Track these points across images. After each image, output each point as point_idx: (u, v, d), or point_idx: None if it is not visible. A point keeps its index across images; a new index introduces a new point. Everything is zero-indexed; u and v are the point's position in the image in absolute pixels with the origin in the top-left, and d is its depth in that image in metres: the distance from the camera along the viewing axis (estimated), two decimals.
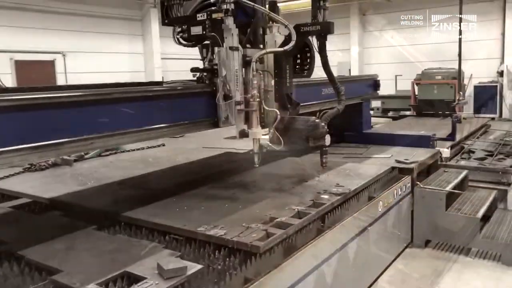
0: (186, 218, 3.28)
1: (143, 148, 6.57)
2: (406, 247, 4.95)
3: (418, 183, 4.96)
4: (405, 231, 4.89)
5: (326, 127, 3.89)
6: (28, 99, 2.48)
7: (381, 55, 18.80)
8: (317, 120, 3.81)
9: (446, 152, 6.68)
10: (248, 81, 3.62)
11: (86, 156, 5.96)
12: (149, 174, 4.81)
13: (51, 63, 15.33)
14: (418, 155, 5.51)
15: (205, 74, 3.75)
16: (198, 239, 2.99)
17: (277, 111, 3.68)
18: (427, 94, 12.85)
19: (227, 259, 2.75)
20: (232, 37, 3.56)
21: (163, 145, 6.86)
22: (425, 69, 13.58)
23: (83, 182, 4.58)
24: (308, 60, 5.83)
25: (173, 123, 3.42)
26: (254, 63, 3.58)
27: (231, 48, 3.57)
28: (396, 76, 16.74)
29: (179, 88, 3.58)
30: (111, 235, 3.11)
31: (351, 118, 6.63)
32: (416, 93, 13.32)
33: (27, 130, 2.45)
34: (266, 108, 3.69)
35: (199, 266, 2.49)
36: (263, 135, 3.69)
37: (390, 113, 15.27)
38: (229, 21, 3.54)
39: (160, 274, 2.37)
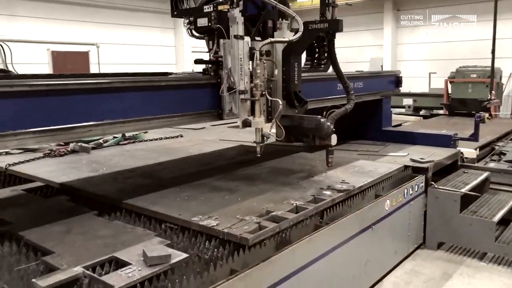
0: (183, 207, 3.31)
1: (160, 139, 6.69)
2: (417, 248, 4.82)
3: (433, 183, 4.81)
4: (417, 232, 4.76)
5: (332, 127, 3.82)
6: (24, 85, 2.56)
7: (415, 51, 18.28)
8: (322, 120, 3.75)
9: (472, 153, 6.47)
10: (252, 71, 3.62)
11: (105, 144, 6.12)
12: (160, 164, 4.89)
13: (86, 54, 15.77)
14: (436, 155, 5.34)
15: (210, 66, 3.76)
16: (192, 228, 3.01)
17: (280, 101, 3.65)
18: (460, 92, 12.44)
19: (215, 249, 2.76)
20: (237, 26, 3.56)
21: (181, 136, 6.95)
22: (459, 67, 13.12)
23: (95, 169, 4.71)
24: (326, 54, 5.82)
25: (176, 114, 3.46)
26: (257, 51, 3.56)
27: (235, 36, 3.58)
28: (430, 73, 16.26)
29: (183, 79, 3.60)
30: (109, 220, 3.18)
31: (371, 115, 6.51)
32: (450, 91, 12.92)
33: (23, 116, 2.54)
34: (269, 98, 3.66)
35: (184, 255, 2.51)
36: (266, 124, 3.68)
37: (422, 112, 14.88)
38: (235, 11, 3.54)
39: (145, 261, 2.41)
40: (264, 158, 4.97)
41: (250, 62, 3.72)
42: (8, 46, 13.20)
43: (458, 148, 5.87)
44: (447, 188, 4.73)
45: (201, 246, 2.82)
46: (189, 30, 4.08)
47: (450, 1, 16.43)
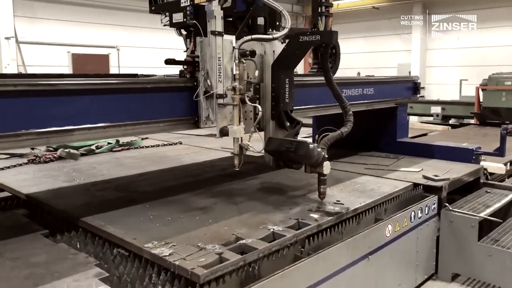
0: (143, 230, 2.88)
1: (157, 146, 6.31)
2: (428, 279, 4.22)
3: (447, 204, 4.20)
4: (427, 261, 4.16)
5: (323, 153, 3.31)
6: None
7: (446, 57, 17.38)
8: (312, 146, 3.25)
9: (500, 168, 5.78)
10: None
11: (97, 151, 5.79)
12: (142, 175, 4.49)
13: (106, 57, 15.73)
14: (454, 171, 4.73)
15: (185, 67, 3.34)
16: (144, 257, 2.58)
17: (259, 107, 3.19)
18: (493, 101, 11.57)
19: (163, 286, 2.31)
20: (214, 21, 3.13)
21: (180, 143, 6.55)
22: (492, 74, 12.25)
23: (73, 178, 4.35)
24: (333, 57, 5.30)
25: (141, 121, 3.05)
26: (237, 50, 3.12)
27: (213, 33, 3.15)
28: (460, 80, 15.38)
29: (151, 81, 3.17)
30: (54, 243, 2.78)
31: (384, 125, 5.94)
32: (481, 100, 12.08)
33: None
34: (248, 103, 3.19)
35: None
36: (245, 133, 3.22)
37: (451, 121, 14.04)
38: (213, 4, 3.10)
39: None
40: (258, 171, 4.52)
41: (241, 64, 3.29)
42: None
43: (481, 164, 5.22)
44: (463, 212, 4.11)
45: (147, 280, 2.38)
46: (177, 30, 3.67)
47: (483, 4, 15.53)
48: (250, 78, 3.38)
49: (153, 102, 3.13)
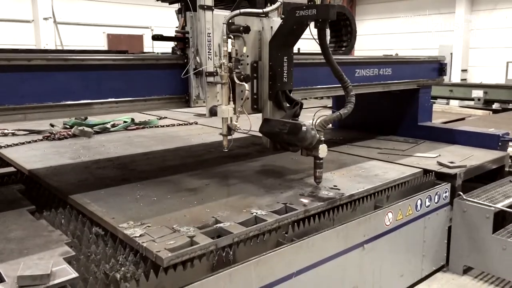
0: (124, 209, 2.85)
1: (172, 125, 6.30)
2: (437, 271, 3.98)
3: (461, 193, 3.92)
4: (437, 251, 3.92)
5: (318, 136, 3.12)
6: None
7: (492, 38, 16.29)
8: (305, 128, 3.05)
9: None
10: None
11: (112, 129, 5.85)
12: (145, 154, 4.48)
13: (140, 37, 15.91)
14: (474, 158, 4.41)
15: (175, 44, 3.23)
16: (118, 236, 2.54)
17: (246, 86, 3.05)
18: None
19: (129, 267, 2.26)
20: None
21: (196, 123, 6.51)
22: None
23: (79, 155, 4.40)
24: (348, 35, 5.04)
25: (129, 99, 2.99)
26: (225, 25, 2.97)
27: (201, 7, 3.02)
28: (507, 62, 14.42)
29: (138, 58, 3.09)
30: (35, 219, 2.79)
31: (406, 108, 5.62)
32: None
33: None
34: (237, 81, 3.05)
35: (71, 276, 2.03)
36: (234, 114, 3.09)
37: (494, 106, 13.24)
38: None
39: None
40: (262, 152, 4.41)
41: (230, 40, 3.14)
42: None
43: (508, 151, 4.84)
44: (477, 201, 3.82)
45: (115, 260, 2.34)
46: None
47: None
48: (241, 56, 3.23)
49: (141, 79, 3.05)
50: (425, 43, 17.37)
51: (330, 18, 3.08)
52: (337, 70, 3.31)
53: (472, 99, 13.53)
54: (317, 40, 3.25)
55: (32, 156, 4.35)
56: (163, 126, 6.26)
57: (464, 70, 16.71)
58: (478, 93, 13.79)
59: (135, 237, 2.40)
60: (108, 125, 5.86)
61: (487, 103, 13.59)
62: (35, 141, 5.11)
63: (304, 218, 2.88)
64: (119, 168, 3.95)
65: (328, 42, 4.61)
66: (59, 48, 13.59)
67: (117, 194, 3.17)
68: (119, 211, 2.80)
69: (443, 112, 9.89)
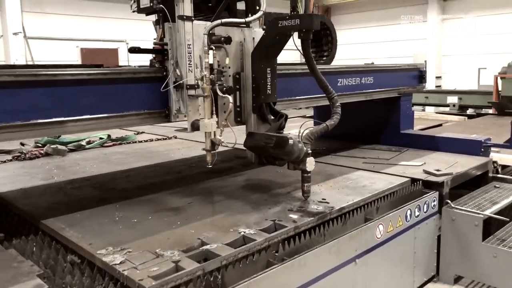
0: (102, 233, 2.66)
1: (150, 140, 6.10)
2: (429, 281, 3.90)
3: (449, 201, 3.87)
4: (427, 262, 3.84)
5: (306, 149, 3.02)
6: None
7: (463, 45, 16.69)
8: (292, 141, 2.94)
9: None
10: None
11: (87, 146, 5.62)
12: (124, 172, 4.28)
13: (115, 51, 15.63)
14: (459, 165, 4.38)
15: (154, 56, 3.09)
16: (96, 264, 2.35)
17: (230, 98, 2.91)
18: None
19: None
20: (183, 4, 2.88)
21: (175, 137, 6.33)
22: None
23: (52, 176, 4.17)
24: (329, 45, 4.99)
25: (105, 115, 2.82)
26: (205, 36, 2.85)
27: (180, 17, 2.89)
28: (479, 69, 14.77)
29: (115, 71, 2.93)
30: (3, 249, 2.57)
31: (387, 116, 5.59)
32: (500, 88, 11.51)
33: None
34: (220, 94, 2.92)
35: None
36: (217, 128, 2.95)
37: (469, 111, 13.49)
38: None
39: None
40: (247, 166, 4.27)
41: (211, 51, 3.01)
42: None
43: (490, 156, 4.84)
44: (466, 209, 3.77)
45: None
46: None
47: None
48: (223, 67, 3.11)
49: (118, 94, 2.89)
50: (400, 51, 17.69)
51: (314, 28, 2.99)
52: (322, 81, 3.22)
53: (447, 105, 13.76)
54: (301, 51, 3.16)
55: (1, 178, 4.10)
56: (141, 141, 6.06)
57: (438, 77, 17.05)
58: (453, 99, 14.03)
59: (115, 264, 2.22)
60: (83, 142, 5.62)
61: (461, 109, 13.84)
62: (4, 161, 4.84)
63: (295, 235, 2.74)
64: (96, 187, 3.74)
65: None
66: (30, 63, 13.21)
67: (94, 216, 2.97)
68: (96, 236, 2.61)
69: (420, 118, 9.97)
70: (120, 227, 2.77)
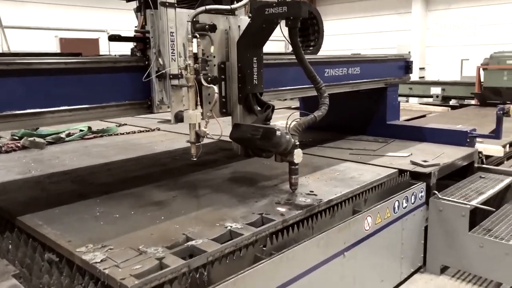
0: (82, 230, 2.55)
1: (133, 132, 5.95)
2: (415, 272, 3.89)
3: (436, 192, 3.85)
4: (414, 253, 3.82)
5: (293, 141, 2.94)
6: None
7: (447, 36, 16.78)
8: (279, 132, 2.86)
9: (498, 150, 5.42)
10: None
11: (67, 139, 5.44)
12: (105, 165, 4.14)
13: (96, 41, 15.25)
14: (445, 155, 4.37)
15: (135, 44, 2.96)
16: (76, 263, 2.24)
17: (215, 88, 2.81)
18: (494, 81, 11.10)
19: None
20: None
21: (158, 129, 6.19)
22: (494, 52, 11.76)
23: (29, 170, 4.01)
24: (316, 34, 4.91)
25: (84, 106, 2.69)
26: (189, 23, 2.74)
27: (163, 4, 2.76)
28: (462, 60, 14.88)
29: (94, 60, 2.79)
30: None
31: (374, 107, 5.55)
32: (482, 79, 11.62)
33: None
34: (204, 83, 2.81)
35: None
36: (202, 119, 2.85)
37: (452, 102, 13.61)
38: None
39: None
40: (233, 158, 4.18)
41: (195, 39, 2.90)
42: None
43: (476, 147, 4.85)
44: (453, 200, 3.75)
45: None
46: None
47: None
48: (207, 56, 2.99)
49: (98, 84, 2.76)
50: (384, 42, 17.69)
51: (302, 16, 2.90)
52: (310, 71, 3.14)
53: (431, 96, 13.87)
54: (288, 39, 3.07)
55: None
56: (123, 133, 5.91)
57: (421, 68, 17.14)
58: (436, 90, 14.14)
59: (95, 262, 2.11)
60: (63, 135, 5.45)
61: (444, 100, 13.97)
62: None
63: (283, 229, 2.67)
64: (76, 182, 3.61)
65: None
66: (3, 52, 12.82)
67: (74, 212, 2.85)
68: (76, 233, 2.49)
69: (404, 109, 10.01)
70: (101, 223, 2.66)
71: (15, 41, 12.92)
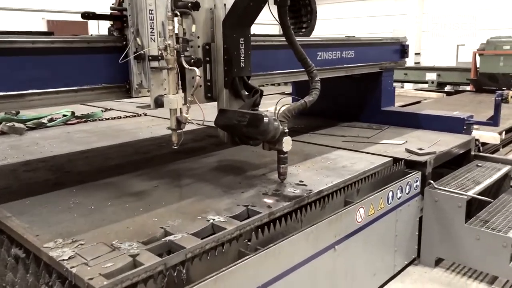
0: (54, 222, 2.36)
1: (118, 118, 5.74)
2: (409, 264, 3.76)
3: (432, 182, 3.69)
4: (408, 244, 3.68)
5: (282, 127, 2.76)
6: None
7: (443, 21, 16.55)
8: (267, 119, 2.67)
9: (495, 138, 5.29)
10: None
11: (49, 124, 5.22)
12: (85, 152, 3.94)
13: (85, 24, 14.85)
14: (442, 143, 4.21)
15: (111, 24, 2.74)
16: (43, 259, 2.06)
17: (197, 71, 2.61)
18: (490, 67, 10.96)
19: None
20: None
21: (145, 114, 5.98)
22: (491, 37, 11.57)
23: (4, 157, 3.81)
24: (308, 15, 4.69)
25: (53, 90, 2.49)
26: (169, 0, 2.52)
27: None
28: (457, 45, 14.70)
29: (67, 40, 2.57)
30: None
31: (368, 92, 5.37)
32: (478, 65, 11.45)
33: None
34: (186, 66, 2.61)
35: None
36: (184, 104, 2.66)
37: (447, 88, 13.45)
38: None
39: None
40: (220, 146, 3.99)
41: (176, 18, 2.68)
42: None
43: (472, 134, 4.70)
44: (449, 190, 3.60)
45: None
46: None
47: None
48: (190, 35, 2.78)
49: (70, 66, 2.55)
50: (380, 27, 17.44)
51: None
52: (301, 53, 2.94)
53: (426, 82, 13.70)
54: (277, 19, 2.86)
55: None
56: (108, 119, 5.69)
57: (417, 54, 16.95)
58: (431, 76, 13.97)
59: (63, 260, 1.93)
60: (44, 120, 5.23)
61: (440, 86, 13.80)
62: None
63: (269, 222, 2.50)
64: (52, 170, 3.41)
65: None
66: None
67: (47, 203, 2.65)
68: (46, 226, 2.30)
69: (399, 95, 9.84)
70: (75, 215, 2.47)
71: (0, 23, 12.56)
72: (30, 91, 2.38)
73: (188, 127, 3.22)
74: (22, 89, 2.35)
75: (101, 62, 2.67)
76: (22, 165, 3.53)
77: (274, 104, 3.07)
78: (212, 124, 3.01)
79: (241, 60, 3.00)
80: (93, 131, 4.94)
